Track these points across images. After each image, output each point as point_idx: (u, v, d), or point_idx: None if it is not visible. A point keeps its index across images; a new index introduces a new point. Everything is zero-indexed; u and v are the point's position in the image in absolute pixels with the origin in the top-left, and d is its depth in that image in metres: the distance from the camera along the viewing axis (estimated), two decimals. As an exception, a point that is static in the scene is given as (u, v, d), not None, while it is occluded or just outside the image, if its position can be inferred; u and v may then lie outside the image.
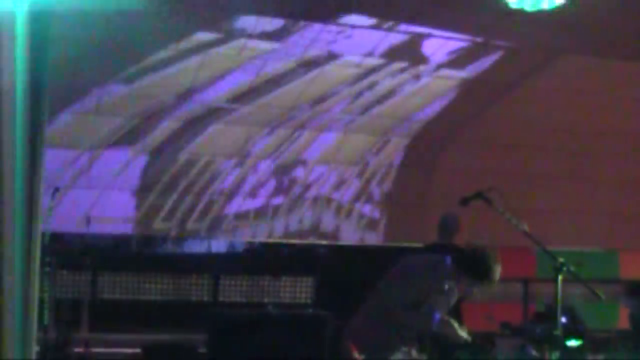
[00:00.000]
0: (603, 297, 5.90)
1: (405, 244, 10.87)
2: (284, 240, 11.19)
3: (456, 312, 6.12)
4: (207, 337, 4.06)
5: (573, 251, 10.70)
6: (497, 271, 5.69)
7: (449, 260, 5.79)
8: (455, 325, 5.67)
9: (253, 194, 10.58)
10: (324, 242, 11.25)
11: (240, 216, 10.61)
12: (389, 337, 5.52)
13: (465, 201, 5.99)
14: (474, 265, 5.62)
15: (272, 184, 10.68)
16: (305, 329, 4.23)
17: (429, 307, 5.64)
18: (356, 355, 4.57)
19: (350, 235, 11.21)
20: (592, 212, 11.66)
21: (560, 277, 5.61)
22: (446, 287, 5.74)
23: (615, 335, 11.22)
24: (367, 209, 11.20)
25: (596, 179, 11.53)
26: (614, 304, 11.43)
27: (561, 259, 5.65)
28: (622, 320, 11.53)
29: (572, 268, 5.64)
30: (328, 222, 11.03)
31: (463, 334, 5.66)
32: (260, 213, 10.67)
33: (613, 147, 11.23)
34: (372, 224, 11.28)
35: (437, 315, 5.61)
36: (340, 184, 11.01)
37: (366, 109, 10.44)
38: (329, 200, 11.00)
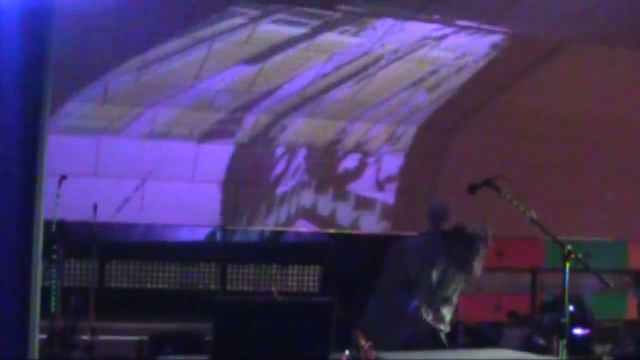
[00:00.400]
0: (612, 285, 5.86)
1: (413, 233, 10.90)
2: (291, 229, 11.18)
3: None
4: (213, 323, 4.02)
5: (581, 241, 10.72)
6: (481, 245, 5.65)
7: (438, 237, 5.82)
8: (429, 315, 5.63)
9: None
10: (331, 230, 11.24)
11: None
12: (392, 322, 5.56)
13: (473, 188, 5.94)
14: (459, 239, 5.63)
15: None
16: (312, 315, 4.20)
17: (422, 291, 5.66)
18: (363, 342, 4.56)
19: (359, 224, 11.21)
20: (600, 202, 11.63)
21: (568, 266, 5.56)
22: (439, 269, 5.75)
23: (623, 325, 11.22)
24: (378, 197, 11.19)
25: (605, 169, 11.48)
26: (622, 294, 11.42)
27: (569, 247, 5.61)
28: (630, 311, 11.52)
29: (580, 256, 5.60)
30: (343, 211, 11.04)
31: (434, 324, 5.63)
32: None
33: (621, 136, 11.19)
34: (381, 213, 11.27)
35: (414, 302, 5.61)
36: (354, 172, 11.02)
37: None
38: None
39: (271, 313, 4.15)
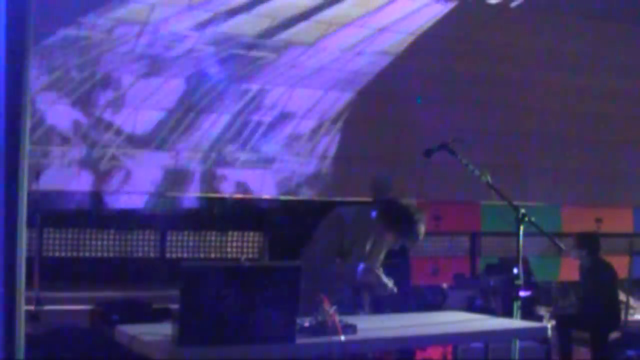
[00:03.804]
0: (564, 248, 5.94)
1: (352, 199, 10.90)
2: (229, 195, 11.07)
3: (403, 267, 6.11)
4: (180, 290, 3.92)
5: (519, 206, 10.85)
6: (421, 227, 5.66)
7: (374, 213, 5.79)
8: (380, 273, 5.65)
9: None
10: (267, 196, 11.17)
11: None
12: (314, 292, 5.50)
13: (429, 152, 5.95)
14: (397, 220, 5.63)
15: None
16: (280, 280, 4.13)
17: (354, 260, 5.65)
18: (327, 306, 4.50)
19: (294, 189, 11.17)
20: (538, 168, 11.80)
21: (522, 229, 5.61)
22: (372, 239, 5.75)
23: (558, 286, 11.44)
24: (314, 163, 11.14)
25: (544, 136, 11.64)
26: (556, 256, 11.63)
27: (523, 210, 5.66)
28: (565, 272, 11.76)
29: (533, 219, 5.65)
30: (276, 176, 10.97)
31: (388, 282, 5.64)
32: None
33: (560, 103, 11.34)
34: (318, 179, 11.25)
35: (362, 265, 5.61)
36: (291, 138, 10.93)
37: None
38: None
39: (239, 279, 4.07)
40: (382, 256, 5.89)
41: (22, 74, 3.09)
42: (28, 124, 3.21)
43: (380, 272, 5.68)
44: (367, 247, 5.74)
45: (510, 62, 10.49)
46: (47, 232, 10.67)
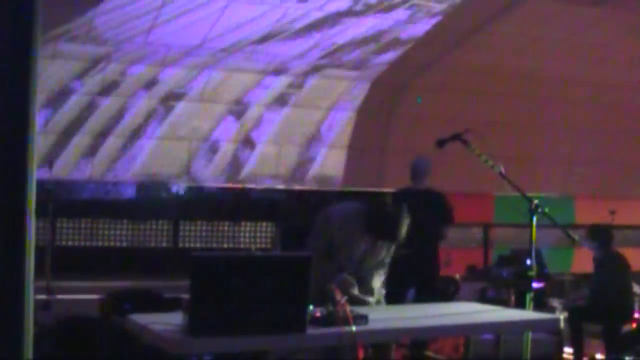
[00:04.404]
0: (577, 239, 5.90)
1: (363, 189, 10.88)
2: (242, 185, 11.06)
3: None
4: (191, 280, 3.90)
5: (532, 197, 10.80)
6: (401, 232, 5.54)
7: (363, 215, 5.62)
8: (354, 287, 5.52)
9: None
10: (281, 187, 11.15)
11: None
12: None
13: (441, 143, 5.93)
14: (379, 226, 5.50)
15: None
16: (291, 270, 4.11)
17: (343, 260, 5.55)
18: (338, 296, 4.48)
19: (307, 181, 11.15)
20: (551, 158, 11.73)
21: (535, 220, 5.57)
22: (361, 241, 5.60)
23: (571, 278, 11.39)
24: (327, 154, 11.11)
25: (556, 126, 11.57)
26: (569, 248, 11.58)
27: (536, 202, 5.62)
28: (578, 264, 11.71)
29: (547, 210, 5.61)
30: (289, 167, 10.95)
31: (359, 296, 5.53)
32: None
33: (572, 93, 11.27)
34: (330, 169, 11.22)
35: (342, 274, 5.50)
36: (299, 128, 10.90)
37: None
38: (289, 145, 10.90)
39: (251, 269, 4.04)
40: (383, 255, 5.74)
41: (29, 63, 3.06)
42: (36, 113, 3.19)
43: (370, 280, 5.57)
44: (362, 246, 5.59)
45: (524, 52, 10.42)
46: (59, 221, 10.68)
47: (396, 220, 5.41)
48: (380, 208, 5.53)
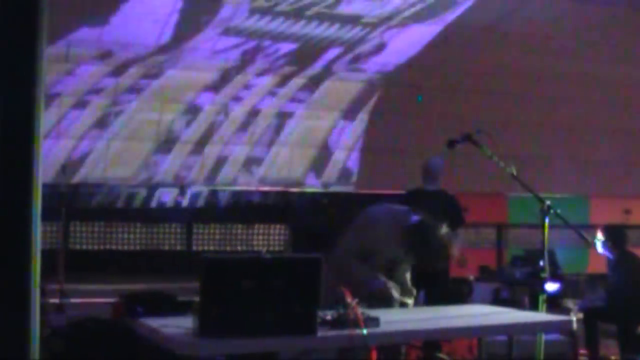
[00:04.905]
0: (590, 241, 5.86)
1: (379, 191, 10.85)
2: (255, 188, 11.07)
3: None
4: (201, 282, 3.90)
5: (545, 197, 10.76)
6: (438, 257, 5.57)
7: (415, 219, 5.60)
8: (395, 292, 5.53)
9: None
10: (296, 189, 11.15)
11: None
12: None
13: (452, 144, 5.89)
14: (420, 241, 5.47)
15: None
16: (301, 272, 4.10)
17: (376, 264, 5.54)
18: (349, 299, 4.46)
19: (324, 182, 11.14)
20: (565, 158, 11.67)
21: (547, 221, 5.54)
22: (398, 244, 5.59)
23: (586, 279, 11.32)
24: (342, 156, 11.10)
25: (570, 125, 11.51)
26: (585, 248, 11.50)
27: (548, 202, 5.59)
28: (593, 265, 11.63)
29: (559, 211, 5.57)
30: (303, 169, 10.94)
31: (401, 299, 5.55)
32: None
33: (586, 92, 11.20)
34: (346, 171, 11.20)
35: (383, 279, 5.50)
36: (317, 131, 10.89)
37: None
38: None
39: (261, 270, 4.04)
40: (405, 265, 5.76)
41: (35, 65, 3.06)
42: (42, 115, 3.19)
43: (396, 288, 5.57)
44: (400, 251, 5.56)
45: (538, 51, 10.37)
46: (73, 225, 10.72)
47: (436, 247, 5.42)
48: (422, 230, 5.47)
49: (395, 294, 5.50)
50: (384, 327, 4.42)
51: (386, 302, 5.47)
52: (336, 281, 5.08)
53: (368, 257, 5.49)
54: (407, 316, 5.16)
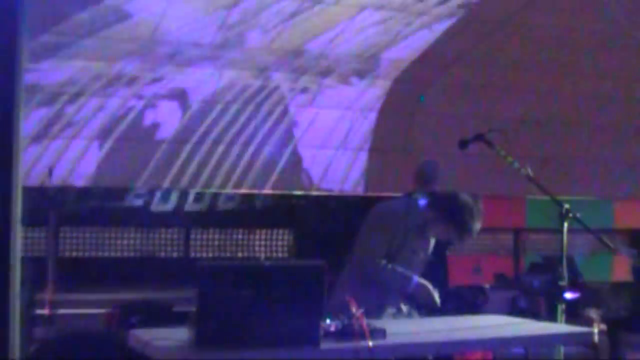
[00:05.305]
0: (612, 246, 5.89)
1: (387, 194, 10.86)
2: (257, 191, 11.09)
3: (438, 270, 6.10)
4: (197, 291, 3.95)
5: (565, 200, 10.76)
6: (477, 224, 5.69)
7: (423, 202, 5.78)
8: (431, 288, 5.66)
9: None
10: (299, 192, 11.17)
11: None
12: (370, 295, 5.49)
13: (464, 144, 5.93)
14: (452, 209, 5.63)
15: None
16: (303, 280, 4.14)
17: (402, 261, 5.64)
18: (354, 309, 4.50)
19: (329, 185, 11.15)
20: (587, 159, 11.65)
21: (566, 225, 5.58)
22: (421, 232, 5.74)
23: (609, 287, 11.32)
24: (348, 157, 11.11)
25: (592, 124, 11.48)
26: (608, 255, 11.50)
27: (567, 206, 5.63)
28: (618, 273, 11.63)
29: (578, 215, 5.61)
30: (307, 171, 10.94)
31: (437, 298, 5.67)
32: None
33: (611, 89, 11.18)
34: (352, 173, 11.21)
35: (416, 278, 5.60)
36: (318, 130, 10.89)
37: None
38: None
39: (261, 278, 4.08)
40: (423, 255, 5.86)
41: (14, 64, 3.10)
42: (21, 116, 3.23)
43: (429, 286, 5.68)
44: (414, 244, 5.72)
45: (559, 44, 10.36)
46: (63, 231, 10.74)
47: (475, 216, 5.55)
48: (460, 201, 5.62)
49: (434, 292, 5.62)
50: (391, 339, 4.46)
51: (428, 300, 5.60)
52: (360, 288, 5.19)
53: (394, 254, 5.59)
54: (416, 327, 5.19)
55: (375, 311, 5.39)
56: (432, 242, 6.01)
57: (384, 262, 5.59)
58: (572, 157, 11.55)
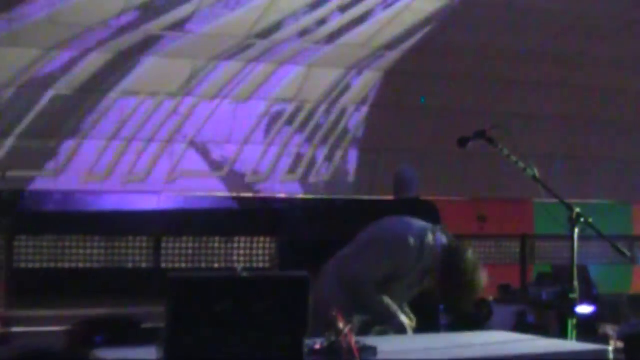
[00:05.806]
0: (629, 254, 5.92)
1: (377, 197, 10.89)
2: (235, 194, 11.11)
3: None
4: (168, 305, 3.96)
5: (578, 204, 10.79)
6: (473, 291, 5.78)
7: (443, 240, 5.79)
8: (410, 332, 5.72)
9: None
10: (281, 195, 11.20)
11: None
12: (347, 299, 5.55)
13: (464, 141, 5.95)
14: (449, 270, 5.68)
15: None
16: (284, 293, 4.16)
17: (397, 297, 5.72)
18: (341, 324, 4.52)
19: (314, 187, 11.19)
20: (601, 159, 11.70)
21: (577, 231, 5.60)
22: (425, 274, 5.78)
23: (628, 300, 11.36)
24: (335, 155, 11.16)
25: (608, 121, 11.54)
26: (627, 264, 11.56)
27: (577, 210, 5.65)
28: (635, 284, 11.69)
29: (591, 220, 5.64)
30: (288, 170, 11.00)
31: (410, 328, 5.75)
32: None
33: (626, 82, 11.23)
34: (340, 173, 11.26)
35: (398, 321, 5.68)
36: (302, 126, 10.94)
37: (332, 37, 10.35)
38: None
39: (238, 291, 4.09)
40: (415, 289, 5.92)
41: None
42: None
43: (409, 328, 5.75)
44: (412, 281, 5.77)
45: (567, 33, 10.41)
46: (19, 239, 10.70)
47: (468, 278, 5.60)
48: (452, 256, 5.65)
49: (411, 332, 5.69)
50: (381, 357, 4.48)
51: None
52: (348, 304, 5.23)
53: (389, 282, 5.64)
54: (411, 345, 5.20)
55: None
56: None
57: (376, 295, 5.65)
58: (586, 157, 11.61)
